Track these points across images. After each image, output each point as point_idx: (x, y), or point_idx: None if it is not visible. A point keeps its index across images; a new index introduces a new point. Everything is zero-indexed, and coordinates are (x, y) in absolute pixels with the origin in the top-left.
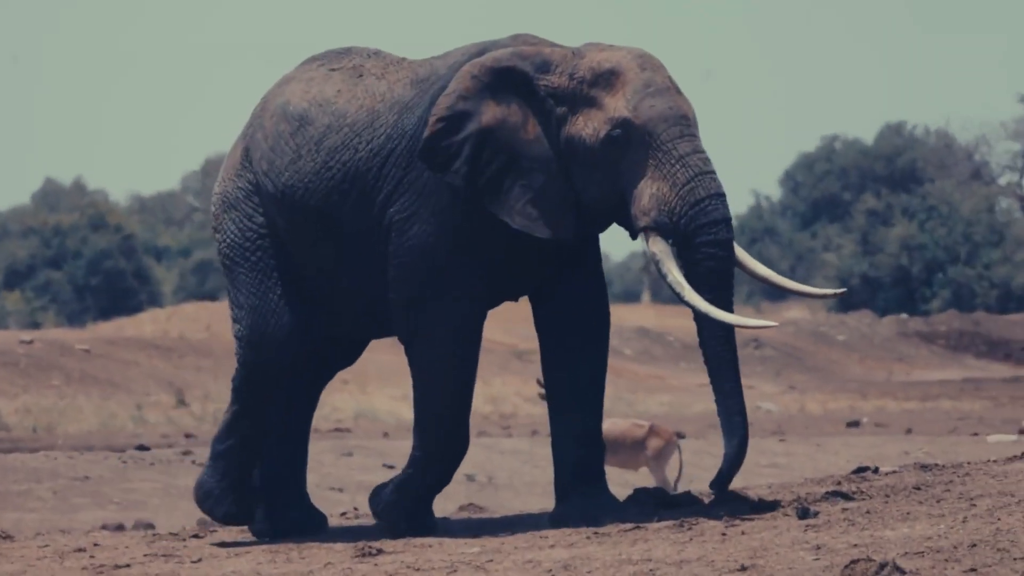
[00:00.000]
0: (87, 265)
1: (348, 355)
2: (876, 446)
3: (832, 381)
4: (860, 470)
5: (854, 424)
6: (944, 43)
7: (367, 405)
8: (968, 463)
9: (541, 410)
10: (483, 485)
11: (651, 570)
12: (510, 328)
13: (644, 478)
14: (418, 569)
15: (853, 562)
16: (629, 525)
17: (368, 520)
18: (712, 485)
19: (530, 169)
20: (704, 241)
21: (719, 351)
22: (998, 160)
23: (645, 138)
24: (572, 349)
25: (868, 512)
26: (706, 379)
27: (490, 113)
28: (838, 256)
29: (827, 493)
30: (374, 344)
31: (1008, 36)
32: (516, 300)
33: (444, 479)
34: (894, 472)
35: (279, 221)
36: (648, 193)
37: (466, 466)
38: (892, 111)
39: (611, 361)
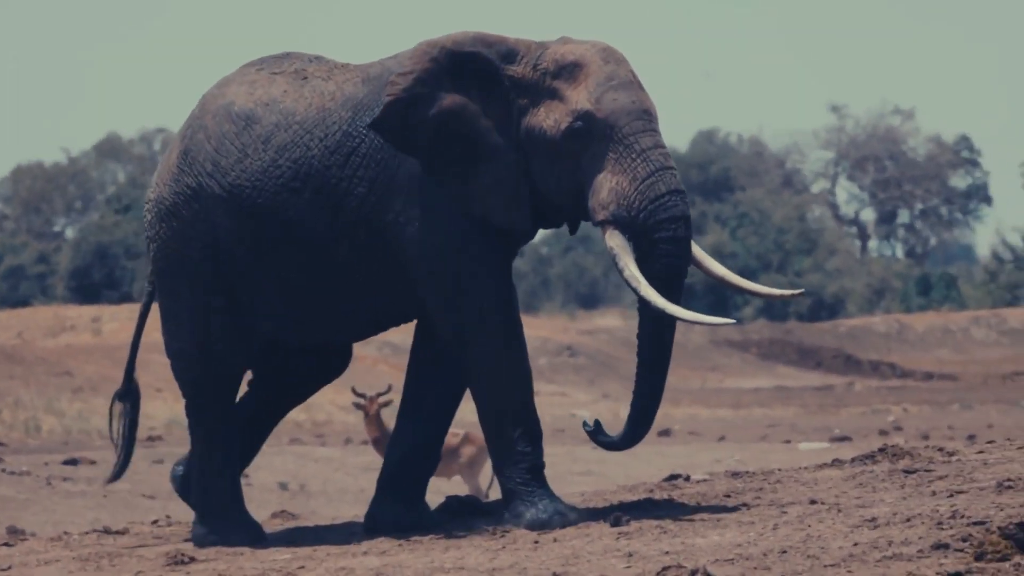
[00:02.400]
0: None
1: (334, 365)
2: (688, 454)
3: None
4: (672, 478)
5: (666, 432)
6: (757, 52)
7: (180, 413)
8: (779, 470)
9: (355, 419)
10: (295, 493)
11: None
12: None
13: (457, 486)
14: None
15: (664, 569)
16: (441, 533)
17: (179, 528)
18: (591, 432)
19: (489, 158)
20: (662, 237)
21: (656, 350)
22: (810, 168)
23: (607, 131)
24: (445, 360)
25: (679, 519)
26: None
27: (450, 99)
28: None
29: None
30: None
31: (820, 46)
32: None
33: (539, 458)
34: (705, 480)
35: (224, 224)
36: (607, 187)
37: (278, 474)
38: (705, 119)
39: None
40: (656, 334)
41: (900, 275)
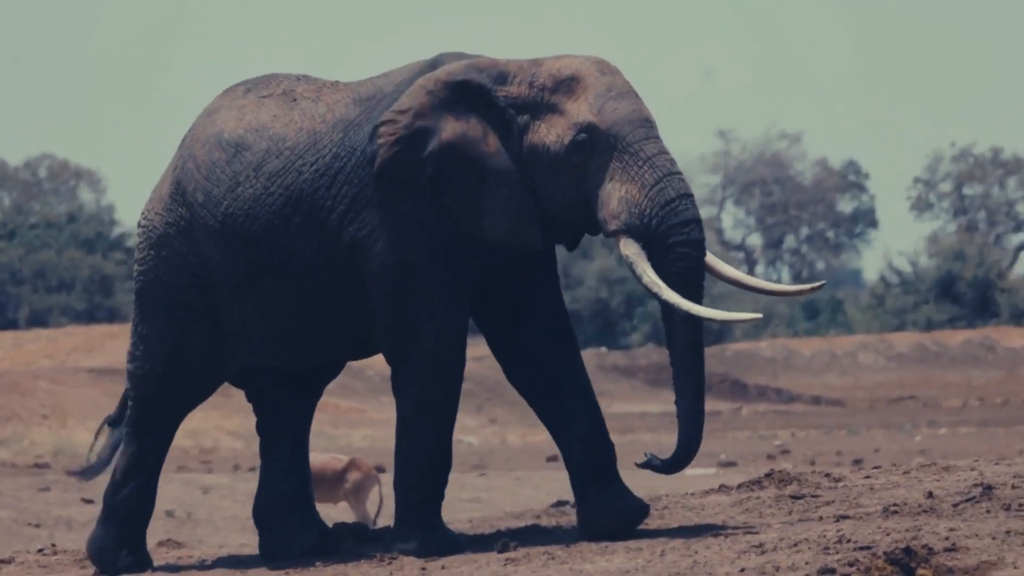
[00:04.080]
0: None
1: (330, 374)
2: None
3: (533, 415)
4: (560, 504)
5: (554, 458)
6: (643, 75)
7: (66, 440)
8: (666, 496)
9: (243, 444)
10: (183, 521)
11: None
12: None
13: (344, 512)
14: None
15: None
16: (329, 561)
17: (65, 556)
18: (645, 464)
19: (495, 182)
20: (677, 241)
21: (688, 353)
22: (697, 193)
23: (611, 141)
24: (547, 364)
25: (567, 546)
26: None
27: (450, 128)
28: None
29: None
30: (72, 379)
31: (705, 69)
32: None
33: (440, 490)
34: None
35: (216, 255)
36: (617, 196)
37: (165, 502)
38: None
39: None
40: (686, 339)
41: (787, 300)
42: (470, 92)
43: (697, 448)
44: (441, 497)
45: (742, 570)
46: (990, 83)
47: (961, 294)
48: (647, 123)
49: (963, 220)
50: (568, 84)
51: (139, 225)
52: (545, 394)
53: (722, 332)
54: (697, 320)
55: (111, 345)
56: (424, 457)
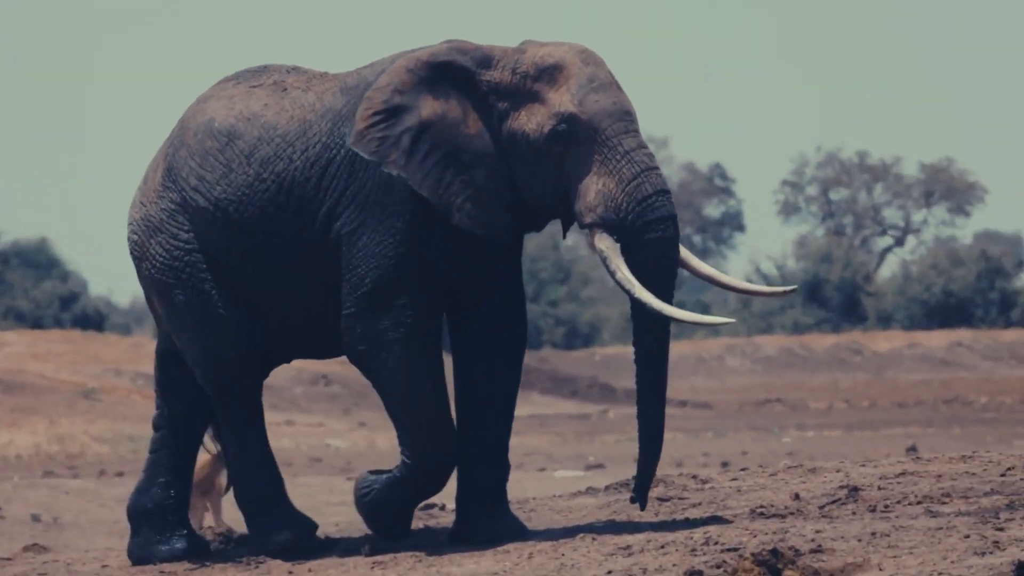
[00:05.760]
0: None
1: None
2: None
3: None
4: (427, 507)
5: None
6: None
7: None
8: (534, 499)
9: (109, 450)
10: (49, 525)
11: None
12: (78, 368)
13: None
14: None
15: None
16: (195, 563)
17: None
18: (633, 499)
19: (471, 164)
20: (651, 238)
21: (654, 351)
22: None
23: (590, 133)
24: (487, 367)
25: (435, 549)
26: (286, 416)
27: (429, 107)
28: None
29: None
30: None
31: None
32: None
33: (436, 486)
34: None
35: (210, 237)
36: (594, 189)
37: (31, 506)
38: None
39: None
40: (654, 338)
41: None
42: (452, 73)
43: (660, 446)
44: (419, 504)
45: (609, 572)
46: (856, 87)
47: (828, 298)
48: (627, 116)
49: (830, 224)
50: (551, 73)
51: (131, 221)
52: (467, 399)
53: (590, 336)
54: (666, 320)
55: None
56: (415, 461)
